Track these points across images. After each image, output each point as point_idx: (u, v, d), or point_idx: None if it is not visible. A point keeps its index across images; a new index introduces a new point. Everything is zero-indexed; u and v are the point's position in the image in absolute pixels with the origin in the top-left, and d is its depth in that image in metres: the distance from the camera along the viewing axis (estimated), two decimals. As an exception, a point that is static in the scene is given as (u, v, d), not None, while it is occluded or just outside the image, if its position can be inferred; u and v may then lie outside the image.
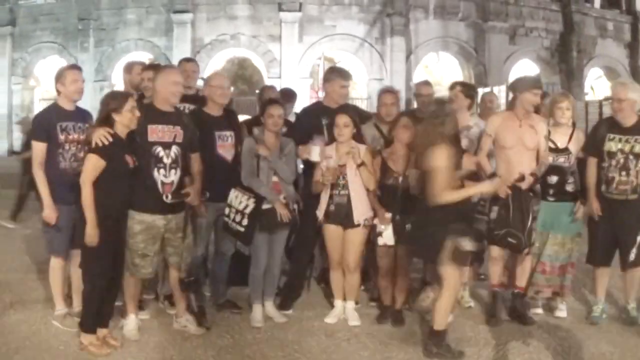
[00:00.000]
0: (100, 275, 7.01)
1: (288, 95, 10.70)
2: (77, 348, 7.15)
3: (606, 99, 30.30)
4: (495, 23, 39.75)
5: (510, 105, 8.67)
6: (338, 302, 8.31)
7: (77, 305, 7.92)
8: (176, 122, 7.49)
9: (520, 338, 7.74)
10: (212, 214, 8.20)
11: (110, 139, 6.86)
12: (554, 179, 8.45)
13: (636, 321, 8.32)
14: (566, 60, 41.63)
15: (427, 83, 10.52)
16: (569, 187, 8.54)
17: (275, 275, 8.48)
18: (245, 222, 7.94)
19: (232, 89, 8.89)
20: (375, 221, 8.06)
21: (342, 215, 8.04)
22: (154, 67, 8.87)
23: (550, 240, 8.53)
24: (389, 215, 8.01)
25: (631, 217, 8.21)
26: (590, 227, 8.59)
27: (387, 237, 8.02)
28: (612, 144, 8.24)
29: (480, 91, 32.90)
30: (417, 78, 37.10)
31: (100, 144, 6.82)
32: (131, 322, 7.62)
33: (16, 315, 8.31)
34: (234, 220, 8.00)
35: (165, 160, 7.31)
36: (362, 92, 36.76)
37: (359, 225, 8.07)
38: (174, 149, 7.37)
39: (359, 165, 7.96)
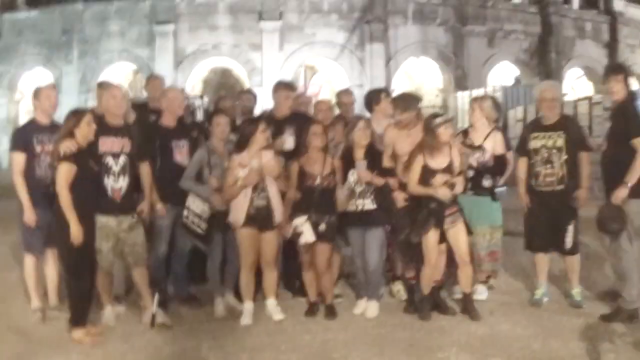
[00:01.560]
0: (83, 272, 7.77)
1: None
2: (54, 337, 7.94)
3: (580, 99, 30.84)
4: (473, 27, 40.02)
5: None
6: (249, 304, 8.61)
7: (53, 300, 8.82)
8: (124, 134, 8.27)
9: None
10: (170, 216, 8.89)
11: (75, 148, 7.57)
12: (470, 173, 9.16)
13: (580, 305, 8.93)
14: (545, 61, 41.92)
15: (347, 92, 11.11)
16: (486, 183, 9.25)
17: (235, 270, 8.93)
18: (203, 225, 8.68)
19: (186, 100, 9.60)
20: (295, 222, 8.58)
21: (261, 218, 8.47)
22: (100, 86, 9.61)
23: (479, 233, 9.21)
24: (298, 220, 8.58)
25: (561, 207, 8.93)
26: (525, 217, 9.31)
27: (307, 235, 8.51)
28: (536, 142, 9.01)
29: (459, 95, 33.49)
30: (396, 83, 37.58)
31: (68, 153, 7.51)
32: (108, 312, 8.41)
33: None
34: (192, 222, 8.71)
35: (114, 168, 8.11)
36: (343, 99, 36.97)
37: (275, 226, 8.58)
38: (122, 158, 8.16)
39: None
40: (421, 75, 41.05)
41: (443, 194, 8.43)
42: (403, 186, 8.76)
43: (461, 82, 38.36)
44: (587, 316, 8.52)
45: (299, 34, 37.92)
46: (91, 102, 31.62)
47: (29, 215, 8.37)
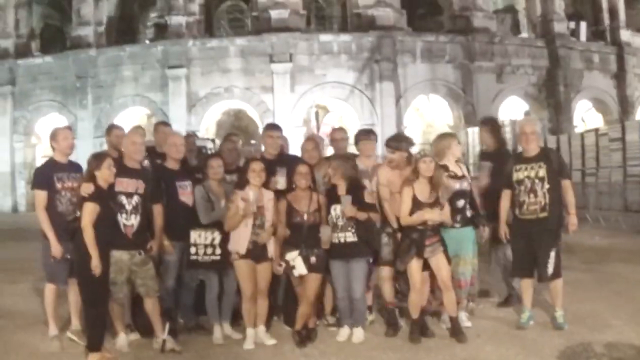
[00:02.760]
0: (99, 301, 8.48)
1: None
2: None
3: (587, 130, 31.21)
4: (481, 63, 40.34)
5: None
6: (251, 330, 9.21)
7: (75, 324, 9.39)
8: (139, 177, 8.93)
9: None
10: (177, 252, 9.49)
11: (91, 190, 8.31)
12: (461, 202, 9.66)
13: (563, 327, 9.44)
14: (554, 94, 42.23)
15: (340, 129, 11.72)
16: (468, 213, 9.78)
17: (231, 300, 9.58)
18: (218, 251, 9.35)
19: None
20: (287, 256, 9.16)
21: (257, 252, 9.13)
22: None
23: (461, 262, 9.66)
24: (290, 255, 9.14)
25: (543, 234, 9.50)
26: (511, 246, 9.96)
27: (299, 268, 9.11)
28: (519, 174, 9.60)
29: (470, 131, 33.78)
30: (407, 121, 38.00)
31: (90, 194, 8.27)
32: (121, 339, 9.02)
33: (17, 336, 9.80)
34: (205, 253, 9.35)
35: (127, 207, 8.73)
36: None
37: (270, 259, 9.20)
38: (135, 198, 8.79)
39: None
40: (431, 113, 41.41)
41: (431, 216, 9.02)
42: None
43: (471, 118, 38.63)
44: (569, 337, 9.02)
45: (310, 75, 38.40)
46: (106, 147, 32.22)
47: (56, 248, 8.97)
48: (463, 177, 9.76)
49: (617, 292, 11.69)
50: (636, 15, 49.97)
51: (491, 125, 11.09)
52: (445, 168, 9.60)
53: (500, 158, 10.46)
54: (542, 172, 9.48)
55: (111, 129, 10.71)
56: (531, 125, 9.99)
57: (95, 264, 8.16)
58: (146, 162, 10.04)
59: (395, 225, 9.41)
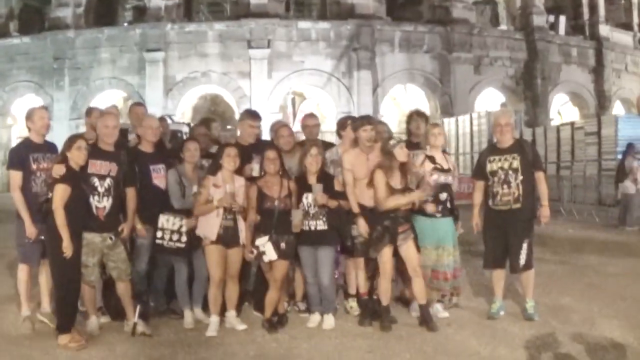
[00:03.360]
0: (70, 284, 8.42)
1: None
2: (42, 343, 8.51)
3: (563, 124, 31.33)
4: (459, 54, 40.64)
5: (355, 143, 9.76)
6: (216, 317, 9.09)
7: (46, 306, 9.44)
8: (113, 159, 8.83)
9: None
10: (150, 236, 9.37)
11: (62, 172, 8.26)
12: (444, 195, 9.57)
13: (533, 317, 9.44)
14: (531, 87, 42.50)
15: (312, 115, 11.59)
16: (449, 204, 9.67)
17: (203, 285, 9.49)
18: (184, 238, 9.22)
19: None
20: (257, 242, 9.07)
21: (228, 237, 9.04)
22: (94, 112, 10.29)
23: (445, 253, 9.59)
24: (260, 240, 9.04)
25: (517, 225, 9.48)
26: (483, 236, 9.90)
27: (269, 254, 9.02)
28: (493, 164, 9.58)
29: (446, 121, 33.86)
30: (384, 110, 38.04)
31: (59, 176, 8.22)
32: (92, 322, 8.93)
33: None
34: (170, 239, 9.25)
35: (99, 189, 8.65)
36: (331, 126, 37.22)
37: (241, 244, 9.13)
38: (108, 181, 8.70)
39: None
40: (408, 102, 41.41)
41: (418, 196, 9.07)
42: (362, 208, 9.31)
43: (447, 109, 38.82)
44: (539, 328, 9.05)
45: (287, 61, 38.46)
46: (82, 129, 32.13)
47: (30, 229, 8.91)
48: (448, 170, 9.70)
49: (589, 284, 11.78)
50: (616, 11, 50.34)
51: (425, 117, 10.86)
52: (432, 160, 9.60)
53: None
54: (516, 164, 9.47)
55: (91, 110, 10.60)
56: (506, 117, 9.96)
57: (66, 246, 8.11)
58: (133, 136, 10.13)
59: (356, 210, 9.32)
